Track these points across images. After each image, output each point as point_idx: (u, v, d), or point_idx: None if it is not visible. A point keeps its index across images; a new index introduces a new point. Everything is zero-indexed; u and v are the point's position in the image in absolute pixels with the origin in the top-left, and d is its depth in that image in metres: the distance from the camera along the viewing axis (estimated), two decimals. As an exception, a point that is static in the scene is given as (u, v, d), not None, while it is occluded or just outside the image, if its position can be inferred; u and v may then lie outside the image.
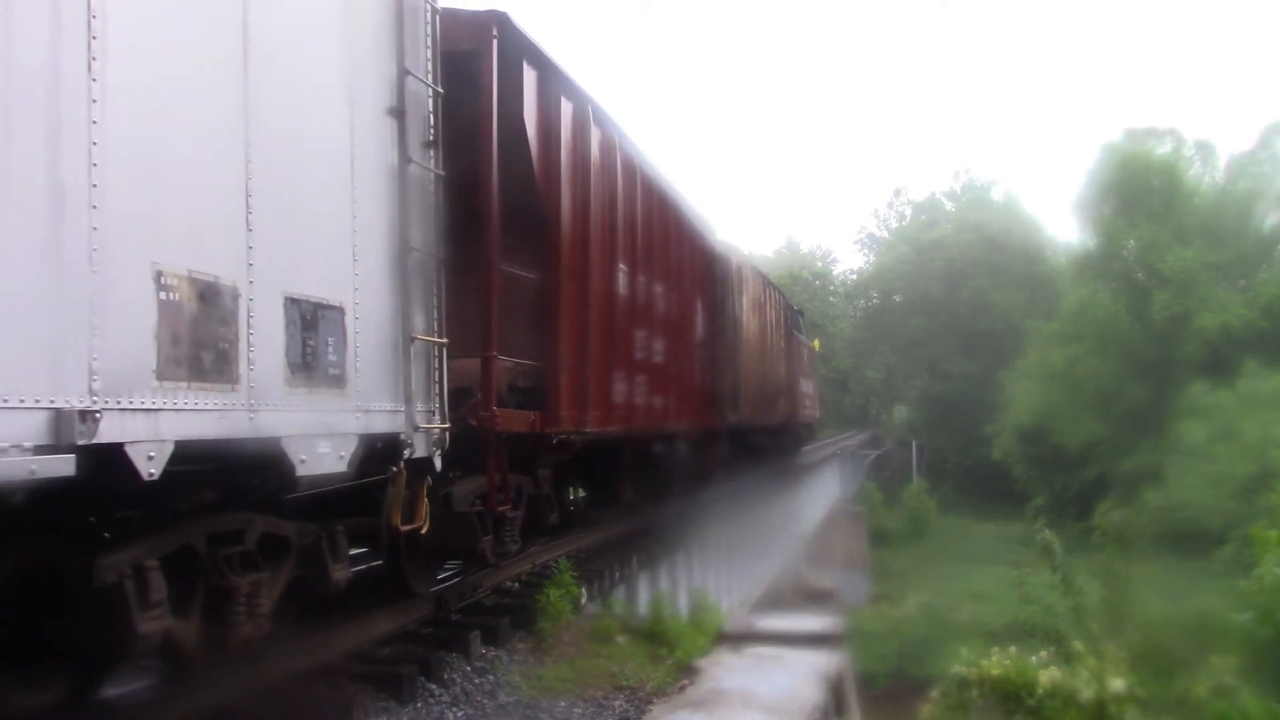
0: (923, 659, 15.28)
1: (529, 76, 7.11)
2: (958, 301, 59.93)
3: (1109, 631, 8.48)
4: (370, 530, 5.63)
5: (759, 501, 17.93)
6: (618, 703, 5.51)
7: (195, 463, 3.46)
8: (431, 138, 5.14)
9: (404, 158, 4.84)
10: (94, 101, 2.97)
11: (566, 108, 7.86)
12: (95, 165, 2.97)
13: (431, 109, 5.17)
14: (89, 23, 2.93)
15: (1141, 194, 42.65)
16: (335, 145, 4.33)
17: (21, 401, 2.72)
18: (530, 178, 7.23)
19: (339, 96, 4.35)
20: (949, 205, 71.40)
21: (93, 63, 2.95)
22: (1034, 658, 7.33)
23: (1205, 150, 47.51)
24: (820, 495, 30.42)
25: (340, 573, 4.82)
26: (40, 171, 2.80)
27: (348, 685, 4.85)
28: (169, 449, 3.23)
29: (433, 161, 5.15)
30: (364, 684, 4.95)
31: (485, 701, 5.32)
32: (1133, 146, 44.87)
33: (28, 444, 2.72)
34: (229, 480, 4.14)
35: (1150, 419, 37.14)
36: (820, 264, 73.82)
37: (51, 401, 2.81)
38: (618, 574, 8.72)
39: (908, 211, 74.14)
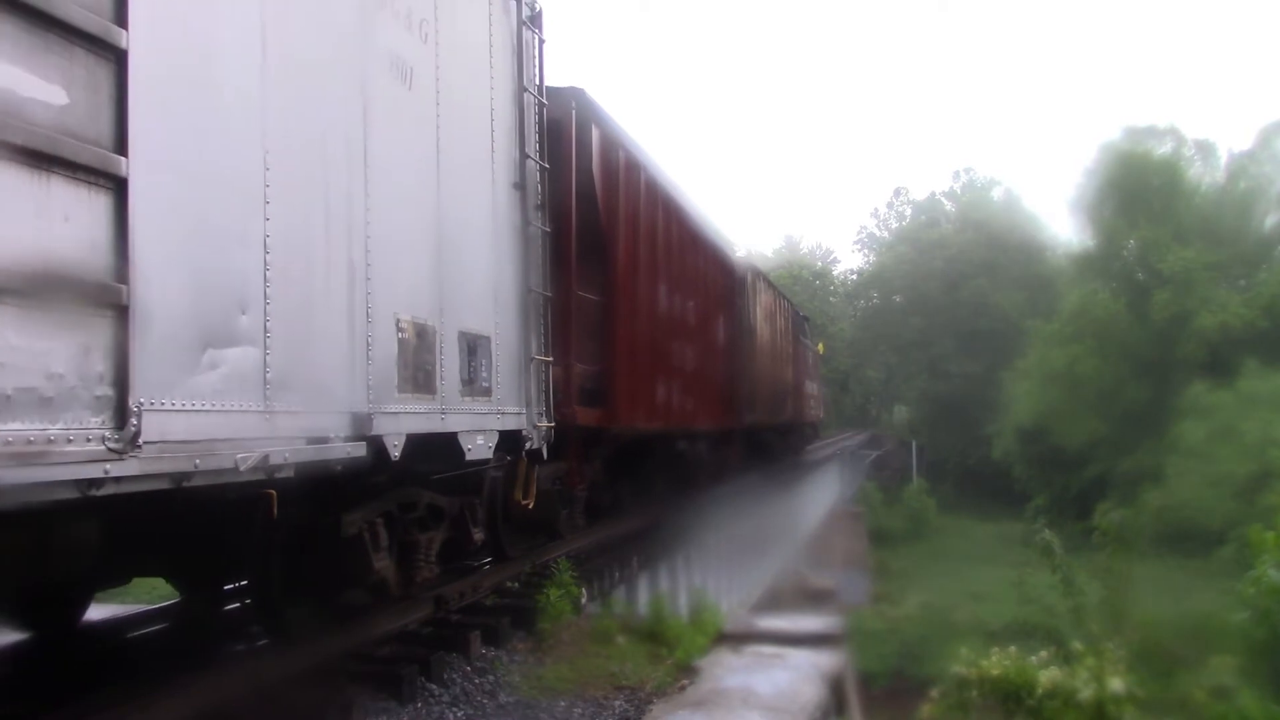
0: (923, 659, 14.53)
1: (595, 136, 8.64)
2: (958, 301, 60.09)
3: (1109, 631, 8.37)
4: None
5: (760, 501, 17.97)
6: (618, 702, 5.49)
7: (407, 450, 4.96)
8: (540, 202, 6.66)
9: (525, 220, 6.37)
10: (368, 210, 4.50)
11: (620, 157, 9.40)
12: (369, 250, 4.50)
13: (539, 179, 6.69)
14: (366, 183, 4.53)
15: (1141, 193, 42.06)
16: (484, 216, 5.85)
17: (338, 408, 4.23)
18: (596, 218, 8.76)
19: (486, 180, 5.87)
20: (949, 205, 71.71)
21: (367, 197, 4.54)
22: (1034, 658, 7.19)
23: (1205, 150, 46.83)
24: (820, 495, 30.21)
25: (478, 535, 6.37)
26: (344, 258, 4.33)
27: (348, 685, 4.92)
28: (404, 439, 4.75)
29: (541, 220, 6.67)
30: (364, 684, 4.99)
31: (485, 701, 5.31)
32: (1132, 145, 44.11)
33: (342, 435, 4.23)
34: (405, 465, 5.63)
35: (1150, 419, 36.59)
36: (820, 264, 74.60)
37: (351, 407, 4.33)
38: (618, 574, 8.76)
39: (908, 211, 74.22)
